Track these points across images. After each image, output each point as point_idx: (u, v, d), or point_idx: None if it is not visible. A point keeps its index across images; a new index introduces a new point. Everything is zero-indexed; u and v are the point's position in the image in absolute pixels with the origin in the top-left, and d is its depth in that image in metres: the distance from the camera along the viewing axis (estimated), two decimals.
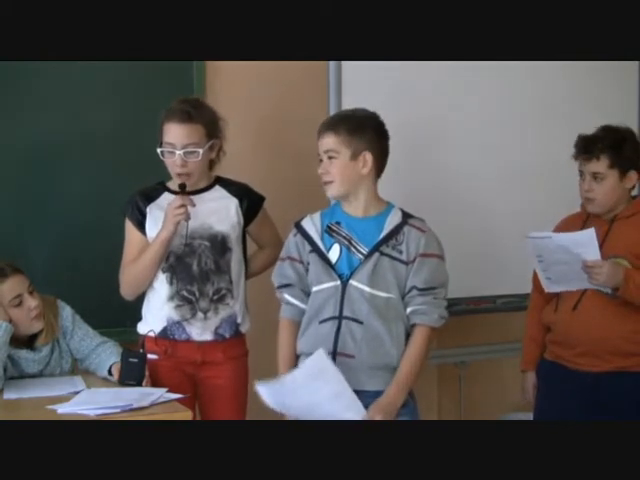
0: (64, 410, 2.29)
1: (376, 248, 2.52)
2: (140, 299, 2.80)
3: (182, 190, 2.65)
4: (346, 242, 2.55)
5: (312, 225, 2.60)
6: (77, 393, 2.46)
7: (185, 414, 2.33)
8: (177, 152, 2.66)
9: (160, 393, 2.42)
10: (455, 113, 3.46)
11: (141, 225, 2.73)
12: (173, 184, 2.75)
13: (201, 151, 2.67)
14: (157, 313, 2.74)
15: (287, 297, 2.61)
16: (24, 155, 2.98)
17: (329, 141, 2.53)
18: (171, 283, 2.72)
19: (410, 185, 3.28)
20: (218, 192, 2.80)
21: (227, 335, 2.75)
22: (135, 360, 2.55)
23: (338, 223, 2.59)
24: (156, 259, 2.68)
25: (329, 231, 2.59)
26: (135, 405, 2.29)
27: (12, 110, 2.96)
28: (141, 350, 2.58)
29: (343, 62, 3.23)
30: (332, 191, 2.57)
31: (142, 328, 2.78)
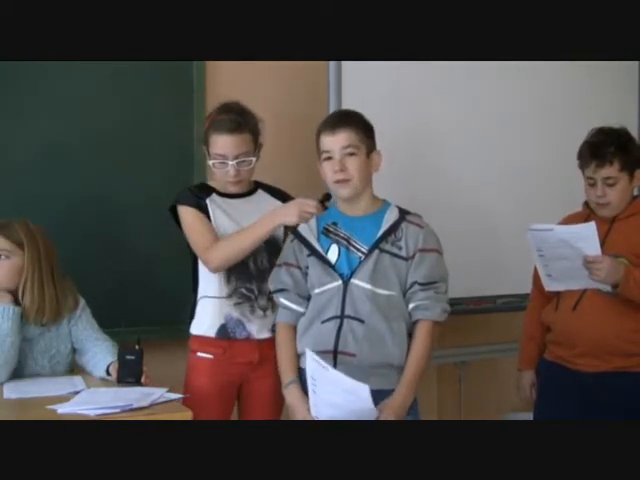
0: (64, 410, 2.28)
1: (376, 245, 2.52)
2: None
3: (324, 200, 2.54)
4: (345, 242, 2.55)
5: (308, 229, 2.60)
6: (77, 393, 2.46)
7: (185, 414, 2.33)
8: (230, 163, 2.66)
9: (160, 393, 2.41)
10: (455, 113, 3.46)
11: (205, 210, 2.70)
12: (217, 184, 2.75)
13: (253, 160, 2.69)
14: (215, 311, 2.71)
15: (283, 301, 2.61)
16: (24, 155, 2.97)
17: (350, 136, 2.50)
18: (228, 281, 2.70)
19: (410, 184, 3.29)
20: (262, 195, 2.81)
21: None
22: (132, 357, 2.54)
23: (335, 224, 2.59)
24: (263, 238, 2.61)
25: (326, 232, 2.59)
26: (135, 405, 2.29)
27: (12, 110, 2.96)
28: (137, 347, 2.56)
29: (343, 62, 3.22)
30: (349, 190, 2.53)
31: (196, 328, 2.75)
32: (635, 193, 2.87)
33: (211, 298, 2.72)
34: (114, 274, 3.07)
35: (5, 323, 2.56)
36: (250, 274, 2.72)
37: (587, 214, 2.82)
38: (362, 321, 2.48)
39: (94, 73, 3.01)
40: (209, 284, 2.73)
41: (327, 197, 2.54)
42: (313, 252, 2.57)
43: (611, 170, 2.72)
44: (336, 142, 2.51)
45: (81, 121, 3.04)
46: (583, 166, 2.78)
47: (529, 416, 3.01)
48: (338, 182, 2.53)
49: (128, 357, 2.54)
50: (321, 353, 2.48)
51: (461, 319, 3.44)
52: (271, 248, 2.73)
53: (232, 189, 2.74)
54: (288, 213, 2.55)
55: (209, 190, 2.76)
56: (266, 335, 2.73)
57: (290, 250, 2.63)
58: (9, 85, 2.95)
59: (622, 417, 2.62)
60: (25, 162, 2.98)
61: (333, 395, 2.32)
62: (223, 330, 2.71)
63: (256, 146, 2.72)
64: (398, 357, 2.49)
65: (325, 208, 2.52)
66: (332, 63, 3.24)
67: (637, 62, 3.78)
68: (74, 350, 2.73)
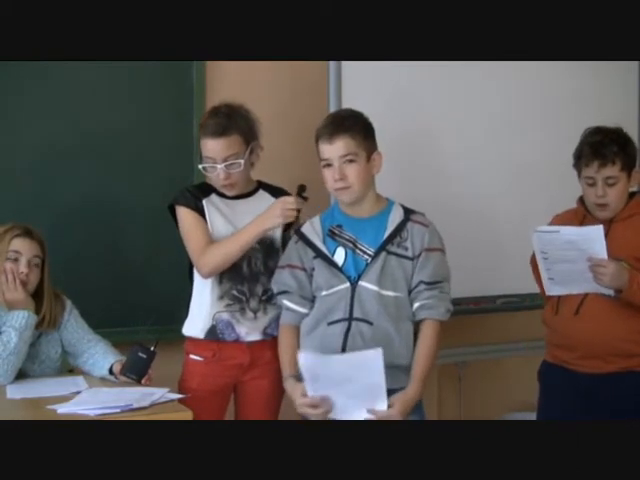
0: (64, 410, 2.28)
1: (382, 247, 2.52)
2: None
3: (300, 192, 2.55)
4: (351, 244, 2.55)
5: (312, 230, 2.59)
6: (78, 393, 2.46)
7: (185, 414, 2.33)
8: (218, 166, 2.64)
9: (161, 393, 2.41)
10: (455, 112, 3.46)
11: (202, 212, 2.69)
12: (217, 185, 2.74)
13: (242, 162, 2.65)
14: (206, 313, 2.71)
15: (286, 303, 2.61)
16: (25, 156, 2.98)
17: (348, 144, 2.49)
18: (220, 282, 2.70)
19: (411, 184, 3.28)
20: (263, 196, 2.78)
21: (275, 333, 2.72)
22: (143, 356, 2.54)
23: (339, 226, 2.58)
24: (250, 243, 2.61)
25: (331, 234, 2.58)
26: (135, 405, 2.29)
27: (12, 111, 2.96)
28: (152, 348, 2.57)
29: (343, 62, 3.22)
30: (350, 197, 2.53)
31: (188, 329, 2.75)
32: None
33: (203, 299, 2.72)
34: (113, 274, 3.07)
35: (27, 331, 2.57)
36: (242, 276, 2.70)
37: (583, 214, 2.80)
38: (370, 323, 2.48)
39: (94, 73, 3.01)
40: (202, 285, 2.72)
41: (303, 188, 2.54)
42: (319, 254, 2.57)
43: (613, 170, 2.71)
44: (334, 151, 2.50)
45: (81, 122, 3.04)
46: (582, 166, 2.76)
47: (529, 416, 3.01)
48: (338, 189, 2.53)
49: (140, 354, 2.54)
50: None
51: (461, 319, 3.43)
52: (267, 250, 2.73)
53: (227, 193, 2.73)
54: (272, 215, 2.56)
55: (208, 190, 2.74)
56: (256, 337, 2.71)
57: (294, 252, 2.62)
58: (8, 86, 2.95)
59: (624, 417, 2.61)
60: (24, 163, 2.98)
61: (340, 384, 2.33)
62: (212, 332, 2.70)
63: (247, 147, 2.68)
64: (405, 357, 2.49)
65: (305, 199, 2.52)
66: (332, 63, 3.24)
67: (637, 62, 3.78)
68: (65, 353, 2.73)
